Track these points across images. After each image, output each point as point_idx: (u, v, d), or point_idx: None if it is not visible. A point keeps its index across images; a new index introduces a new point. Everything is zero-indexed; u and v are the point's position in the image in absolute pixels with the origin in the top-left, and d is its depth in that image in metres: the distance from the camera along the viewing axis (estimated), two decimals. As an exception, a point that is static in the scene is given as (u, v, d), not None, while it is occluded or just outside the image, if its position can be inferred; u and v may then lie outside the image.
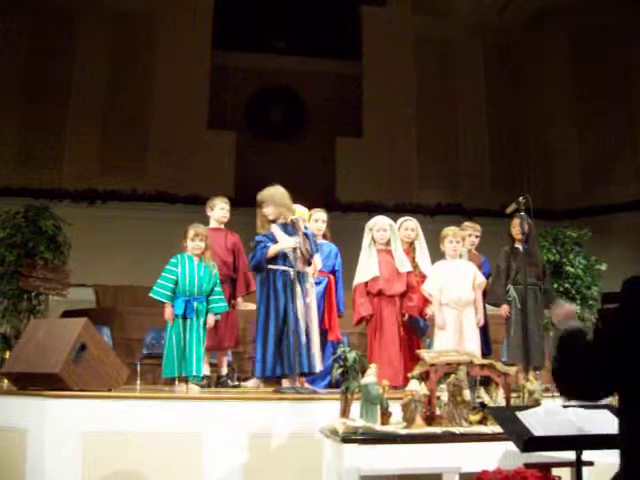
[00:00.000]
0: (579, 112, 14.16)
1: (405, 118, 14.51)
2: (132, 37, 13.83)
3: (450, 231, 6.78)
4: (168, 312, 6.01)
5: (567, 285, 7.94)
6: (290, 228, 6.12)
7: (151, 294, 6.17)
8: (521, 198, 6.31)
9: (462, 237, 6.87)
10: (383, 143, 14.24)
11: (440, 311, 6.54)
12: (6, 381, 6.11)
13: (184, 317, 5.97)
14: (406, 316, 6.59)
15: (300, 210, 6.43)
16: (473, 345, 6.38)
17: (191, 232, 6.18)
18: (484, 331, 6.98)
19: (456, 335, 6.46)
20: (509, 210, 6.51)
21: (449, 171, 14.31)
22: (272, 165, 13.67)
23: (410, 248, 7.00)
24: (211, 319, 6.11)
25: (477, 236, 7.47)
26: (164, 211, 12.88)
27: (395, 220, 7.03)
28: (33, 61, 13.29)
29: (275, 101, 14.49)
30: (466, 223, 7.53)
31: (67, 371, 5.32)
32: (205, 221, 6.96)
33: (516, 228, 6.89)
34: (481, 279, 6.71)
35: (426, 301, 6.77)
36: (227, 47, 14.25)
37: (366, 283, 6.62)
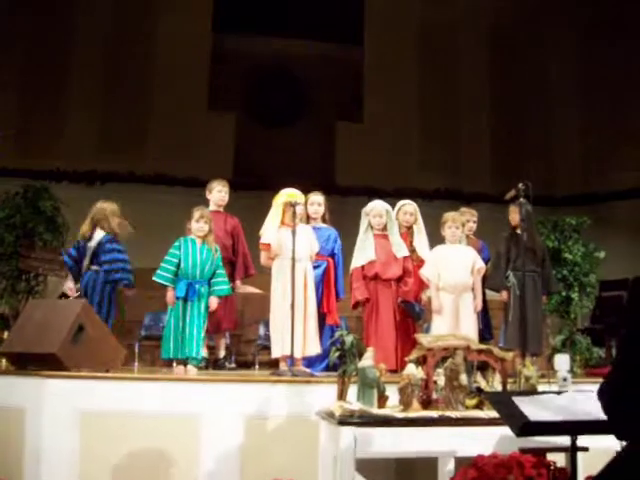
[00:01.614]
0: (580, 98, 14.12)
1: (406, 103, 14.46)
2: (132, 18, 13.74)
3: (450, 216, 6.78)
4: (170, 295, 6.01)
5: (565, 272, 7.94)
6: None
7: (155, 278, 6.16)
8: (521, 184, 6.31)
9: (462, 222, 6.86)
10: (383, 128, 14.19)
11: (437, 296, 6.55)
12: (4, 361, 6.14)
13: (185, 300, 5.97)
14: (400, 300, 6.60)
15: (296, 194, 6.40)
16: (469, 330, 6.39)
17: (196, 214, 6.19)
18: (485, 316, 7.00)
19: (453, 320, 6.47)
20: (508, 196, 6.50)
21: (449, 156, 14.28)
22: (271, 148, 13.65)
23: (408, 232, 7.01)
24: (214, 301, 6.11)
25: (474, 221, 7.47)
26: (163, 193, 12.85)
27: (394, 204, 7.02)
28: (32, 41, 13.21)
29: (275, 84, 14.43)
30: (463, 209, 7.52)
31: (65, 351, 5.35)
32: (204, 204, 6.96)
33: (515, 214, 6.88)
34: (480, 264, 6.72)
35: (421, 286, 6.79)
36: (228, 29, 14.16)
37: (362, 267, 6.63)
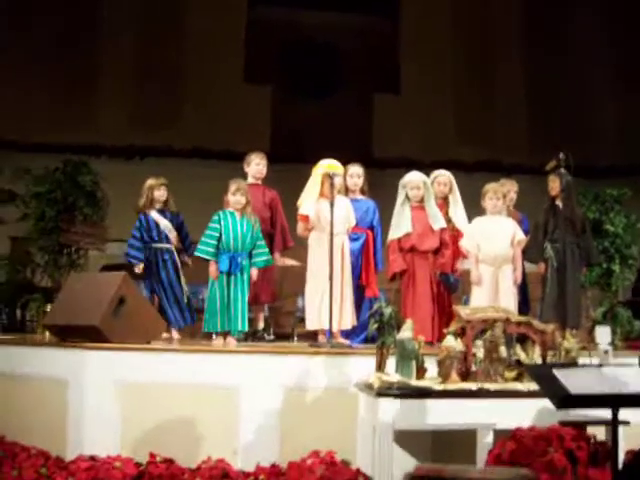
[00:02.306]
0: (619, 66, 13.83)
1: (442, 74, 14.30)
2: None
3: (491, 187, 6.69)
4: (213, 269, 6.04)
5: (606, 244, 7.85)
6: None
7: (196, 252, 6.22)
8: (561, 154, 6.21)
9: (503, 194, 6.78)
10: (421, 99, 14.06)
11: (477, 268, 6.51)
12: (48, 333, 6.25)
13: (228, 273, 6.00)
14: (437, 272, 6.57)
15: (335, 165, 6.36)
16: (509, 303, 6.34)
17: (233, 187, 6.20)
18: (523, 289, 6.93)
19: (492, 292, 6.43)
20: (549, 167, 6.40)
21: (487, 127, 14.10)
22: (308, 121, 13.59)
23: (444, 203, 6.94)
24: (254, 273, 6.14)
25: (515, 192, 7.37)
26: (200, 166, 12.90)
27: (429, 175, 6.95)
28: (65, 17, 13.25)
29: (312, 56, 14.33)
30: (503, 180, 7.41)
31: (106, 324, 5.42)
32: (242, 177, 6.96)
33: (555, 184, 6.78)
34: (521, 236, 6.64)
35: (457, 257, 6.75)
36: (263, 0, 14.10)
37: (399, 239, 6.60)
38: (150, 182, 6.87)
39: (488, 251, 6.51)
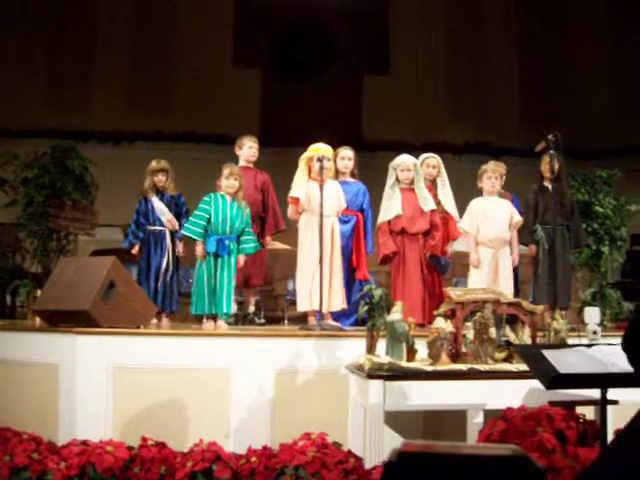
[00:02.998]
0: (611, 48, 13.82)
1: (433, 56, 14.27)
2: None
3: (489, 167, 6.71)
4: (200, 249, 6.05)
5: (596, 225, 7.85)
6: None
7: (183, 231, 6.25)
8: (551, 136, 6.21)
9: (501, 174, 6.80)
10: (411, 81, 14.04)
11: (476, 250, 6.52)
12: (38, 318, 6.23)
13: (216, 255, 6.01)
14: (428, 254, 6.58)
15: (323, 148, 6.35)
16: (508, 285, 6.37)
17: (226, 171, 6.20)
18: (514, 271, 6.95)
19: (491, 274, 6.44)
20: (538, 148, 6.40)
21: (478, 109, 14.10)
22: (297, 103, 13.55)
23: (432, 185, 6.95)
24: (241, 259, 6.15)
25: (502, 174, 7.37)
26: (190, 150, 12.87)
27: (418, 157, 6.96)
28: (57, 3, 13.18)
29: (301, 38, 14.26)
30: (491, 162, 7.41)
31: (96, 308, 5.41)
32: (233, 160, 6.95)
33: (546, 166, 6.78)
34: (518, 218, 6.65)
35: (447, 239, 6.77)
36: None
37: (389, 222, 6.60)
38: (152, 165, 6.89)
39: (487, 233, 6.52)
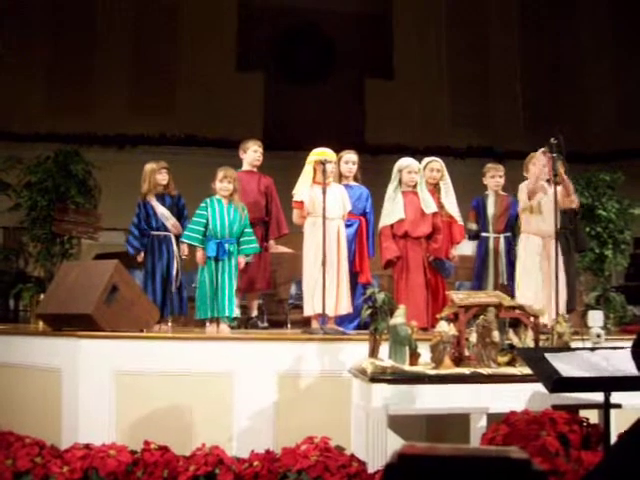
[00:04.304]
0: (614, 52, 13.82)
1: (436, 59, 14.27)
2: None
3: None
4: (200, 255, 6.05)
5: (599, 229, 7.85)
6: None
7: (183, 239, 6.25)
8: (553, 139, 6.20)
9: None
10: (414, 85, 14.03)
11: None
12: (41, 322, 6.24)
13: (216, 259, 6.01)
14: (431, 257, 6.58)
15: (327, 152, 6.36)
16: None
17: (220, 174, 6.20)
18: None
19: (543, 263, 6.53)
20: (541, 152, 6.39)
21: (480, 113, 14.10)
22: (301, 107, 13.56)
23: (435, 189, 6.94)
24: (242, 260, 6.15)
25: (500, 176, 7.36)
26: (193, 154, 12.87)
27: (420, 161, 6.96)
28: (62, 4, 13.21)
29: (304, 42, 14.27)
30: (489, 165, 7.39)
31: (99, 312, 5.41)
32: (235, 164, 6.93)
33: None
34: None
35: (451, 242, 6.77)
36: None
37: (392, 226, 6.60)
38: (151, 166, 6.81)
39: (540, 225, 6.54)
